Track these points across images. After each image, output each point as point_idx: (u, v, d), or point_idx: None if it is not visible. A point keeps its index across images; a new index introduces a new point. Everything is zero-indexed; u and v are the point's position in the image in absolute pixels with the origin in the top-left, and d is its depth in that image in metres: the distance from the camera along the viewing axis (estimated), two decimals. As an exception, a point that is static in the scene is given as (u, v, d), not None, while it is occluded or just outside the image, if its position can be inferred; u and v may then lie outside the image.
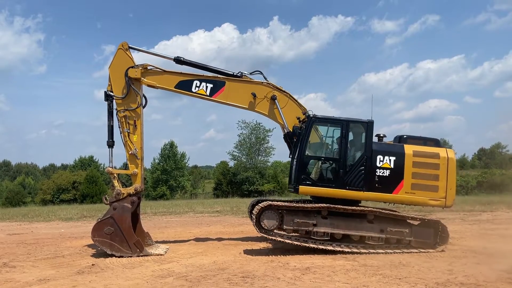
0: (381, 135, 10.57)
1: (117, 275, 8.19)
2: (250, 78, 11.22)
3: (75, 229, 16.88)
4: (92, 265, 9.12)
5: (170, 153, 61.55)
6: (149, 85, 11.13)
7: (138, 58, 11.50)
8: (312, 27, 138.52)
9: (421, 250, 9.70)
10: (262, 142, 55.07)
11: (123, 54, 10.85)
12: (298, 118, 10.97)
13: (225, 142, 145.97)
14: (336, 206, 9.81)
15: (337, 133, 10.41)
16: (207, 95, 11.01)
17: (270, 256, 9.51)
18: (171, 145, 62.58)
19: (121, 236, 10.28)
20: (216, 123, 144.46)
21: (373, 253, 9.56)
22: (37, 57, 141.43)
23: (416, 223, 10.04)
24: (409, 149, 10.11)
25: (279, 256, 9.53)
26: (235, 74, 11.10)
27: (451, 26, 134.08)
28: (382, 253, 9.58)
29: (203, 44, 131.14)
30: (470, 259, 8.74)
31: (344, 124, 10.20)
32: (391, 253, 9.55)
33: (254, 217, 9.98)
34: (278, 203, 10.05)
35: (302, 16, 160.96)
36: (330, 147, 10.79)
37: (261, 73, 11.23)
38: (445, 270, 7.76)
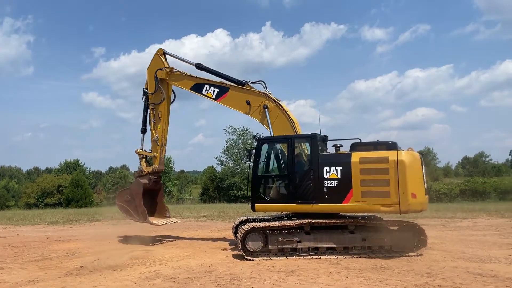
0: (338, 145, 10.85)
1: (105, 277, 8.33)
2: (251, 87, 12.07)
3: (62, 233, 16.89)
4: (81, 267, 9.24)
5: (156, 158, 61.32)
6: (172, 85, 13.26)
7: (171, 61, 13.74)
8: (304, 33, 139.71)
9: (401, 254, 10.02)
10: (249, 148, 55.25)
11: (158, 58, 13.22)
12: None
13: (213, 147, 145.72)
14: (317, 220, 10.02)
15: (285, 150, 11.03)
16: (213, 98, 12.49)
17: (256, 259, 9.73)
18: (158, 149, 62.36)
19: (134, 205, 12.85)
20: (204, 128, 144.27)
21: (356, 257, 9.86)
22: (26, 59, 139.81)
23: (395, 228, 10.36)
24: (356, 156, 9.99)
25: (265, 259, 9.75)
26: (239, 82, 12.17)
27: (441, 36, 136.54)
28: (365, 257, 9.88)
29: (196, 49, 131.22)
30: (448, 263, 9.06)
31: (289, 141, 10.76)
32: (373, 257, 9.85)
33: (239, 241, 10.03)
34: (261, 224, 10.14)
35: (295, 22, 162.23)
36: (279, 164, 11.37)
37: (263, 82, 12.11)
38: (424, 273, 8.07)
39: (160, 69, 13.02)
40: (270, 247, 10.03)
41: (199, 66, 13.00)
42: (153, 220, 13.01)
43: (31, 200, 54.96)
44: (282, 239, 10.04)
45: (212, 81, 12.52)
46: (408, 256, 9.88)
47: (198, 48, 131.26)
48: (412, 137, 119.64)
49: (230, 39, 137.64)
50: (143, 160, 13.41)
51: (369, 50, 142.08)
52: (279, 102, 11.65)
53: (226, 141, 57.10)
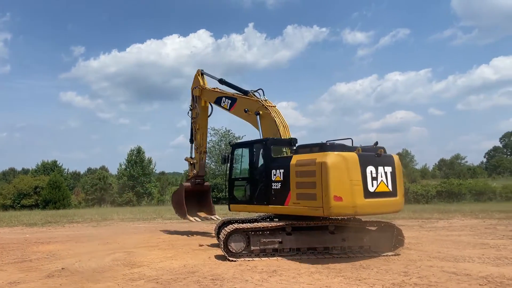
0: (294, 148, 11.12)
1: (87, 278, 8.33)
2: (253, 95, 12.78)
3: (41, 235, 16.67)
4: (62, 269, 9.21)
5: (137, 159, 60.80)
6: (204, 100, 15.20)
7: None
8: (286, 36, 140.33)
9: (380, 253, 10.30)
10: (225, 153, 55.27)
11: (196, 77, 15.22)
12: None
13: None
14: (299, 222, 10.18)
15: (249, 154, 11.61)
16: (227, 109, 13.68)
17: (239, 260, 9.85)
18: (138, 150, 61.87)
19: (180, 204, 15.46)
20: (186, 129, 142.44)
21: (336, 257, 10.09)
22: (2, 57, 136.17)
23: (374, 228, 10.63)
24: (294, 159, 10.09)
25: (247, 260, 9.88)
26: (244, 91, 13.09)
27: (420, 40, 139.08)
28: (345, 257, 10.11)
29: (178, 50, 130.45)
30: (424, 262, 9.36)
31: (250, 146, 11.41)
32: (352, 257, 10.09)
33: (221, 242, 10.15)
34: (244, 225, 10.29)
35: (278, 25, 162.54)
36: (246, 168, 11.96)
37: (262, 90, 12.87)
38: (401, 272, 8.34)
39: (195, 87, 15.12)
40: (252, 248, 10.16)
41: (221, 81, 14.44)
42: (190, 217, 15.26)
43: (7, 202, 53.66)
44: (264, 240, 10.19)
45: (227, 93, 13.63)
46: (386, 255, 10.17)
47: (180, 49, 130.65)
48: (391, 139, 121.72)
49: (213, 39, 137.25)
50: (191, 166, 15.96)
51: (350, 53, 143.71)
52: (272, 108, 11.96)
53: (208, 142, 56.97)
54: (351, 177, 9.28)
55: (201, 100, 15.12)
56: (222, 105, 13.85)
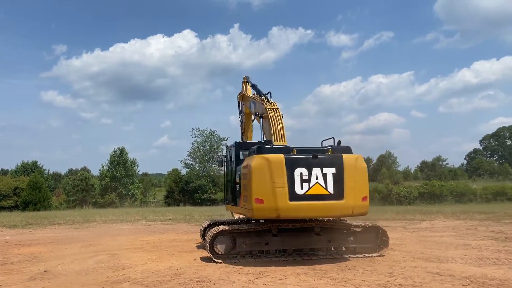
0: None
1: (71, 281, 8.19)
2: (265, 98, 12.66)
3: (22, 237, 16.33)
4: (45, 271, 9.04)
5: (120, 160, 60.05)
6: (245, 106, 15.00)
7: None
8: (272, 37, 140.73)
9: (365, 255, 10.39)
10: (216, 150, 55.16)
11: (243, 84, 15.28)
12: None
13: (178, 149, 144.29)
14: (285, 223, 10.12)
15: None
16: (253, 113, 13.64)
17: (225, 262, 9.81)
18: (121, 151, 61.11)
19: None
20: (170, 129, 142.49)
21: (322, 258, 10.13)
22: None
23: (359, 230, 10.72)
24: (244, 162, 10.29)
25: (233, 261, 9.85)
26: (262, 94, 13.09)
27: (404, 43, 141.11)
28: (330, 258, 10.17)
29: (162, 50, 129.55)
30: (408, 263, 9.48)
31: (228, 149, 12.49)
32: (338, 258, 10.15)
33: (207, 243, 10.08)
34: (230, 227, 10.24)
35: (263, 26, 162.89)
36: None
37: (270, 93, 12.86)
38: (386, 273, 8.43)
39: (239, 93, 15.44)
40: (238, 249, 10.14)
41: (253, 86, 14.53)
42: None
43: (-15, 203, 52.44)
44: (250, 241, 10.18)
45: (255, 98, 13.63)
46: (371, 256, 10.26)
47: (165, 49, 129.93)
48: (374, 141, 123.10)
49: (198, 40, 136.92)
50: None
51: (334, 56, 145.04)
52: (272, 111, 11.87)
53: (192, 143, 56.71)
54: (274, 180, 9.19)
55: (244, 106, 15.33)
56: (250, 109, 13.99)
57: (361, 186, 9.60)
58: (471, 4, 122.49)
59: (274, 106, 12.07)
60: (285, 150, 9.80)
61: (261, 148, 9.94)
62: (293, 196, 9.23)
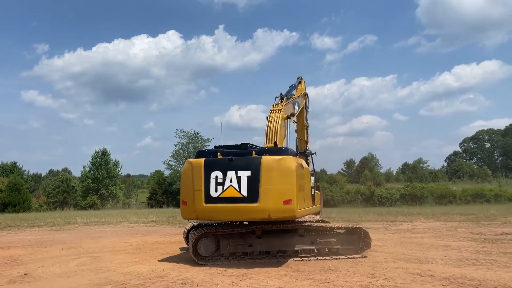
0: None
1: (51, 284, 8.07)
2: (279, 100, 12.27)
3: (0, 239, 15.99)
4: (25, 274, 8.88)
5: (102, 161, 59.38)
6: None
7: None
8: (257, 39, 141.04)
9: (348, 256, 10.49)
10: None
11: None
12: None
13: (162, 150, 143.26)
14: (269, 225, 10.17)
15: None
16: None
17: (208, 264, 9.79)
18: (104, 152, 60.47)
19: None
20: (153, 131, 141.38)
21: (305, 259, 10.20)
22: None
23: (342, 231, 10.83)
24: None
25: (217, 263, 9.83)
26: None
27: (387, 47, 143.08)
28: (314, 260, 10.24)
29: (146, 50, 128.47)
30: (390, 264, 9.61)
31: None
32: (321, 259, 10.23)
33: (190, 246, 10.02)
34: (213, 229, 10.21)
35: (248, 27, 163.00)
36: None
37: (281, 94, 12.42)
38: (368, 274, 8.52)
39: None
40: (222, 251, 10.13)
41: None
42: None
43: (-38, 205, 51.20)
44: (234, 243, 10.17)
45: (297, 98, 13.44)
46: (354, 258, 10.37)
47: (149, 49, 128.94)
48: (357, 143, 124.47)
49: (182, 41, 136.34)
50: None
51: (319, 58, 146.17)
52: (272, 112, 11.74)
53: (176, 144, 56.48)
54: (194, 183, 9.54)
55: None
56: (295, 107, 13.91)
57: (283, 189, 9.31)
58: (451, 9, 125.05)
59: (276, 107, 12.01)
60: (216, 152, 9.96)
61: (201, 151, 10.27)
62: (209, 198, 9.45)
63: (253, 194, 9.22)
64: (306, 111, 14.77)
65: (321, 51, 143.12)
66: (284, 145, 10.82)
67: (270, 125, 11.03)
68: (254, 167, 9.31)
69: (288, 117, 11.55)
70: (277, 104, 11.85)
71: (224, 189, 9.43)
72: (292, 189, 9.24)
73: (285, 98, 11.94)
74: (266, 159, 9.34)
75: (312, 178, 11.68)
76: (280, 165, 9.30)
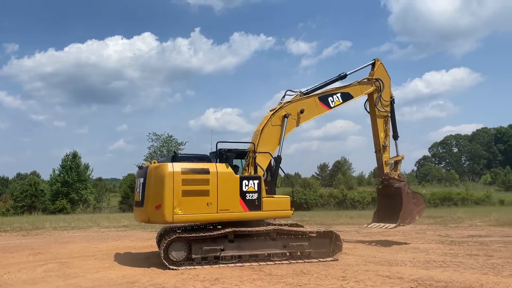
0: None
1: (17, 292, 7.83)
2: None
3: (-37, 245, 15.36)
4: (-12, 282, 8.57)
5: (72, 164, 57.93)
6: None
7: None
8: (233, 42, 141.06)
9: (320, 259, 10.60)
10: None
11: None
12: None
13: (135, 154, 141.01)
14: (241, 229, 10.21)
15: None
16: None
17: (180, 268, 9.70)
18: (74, 155, 59.00)
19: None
20: (126, 133, 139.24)
21: (278, 263, 10.25)
22: None
23: (314, 235, 10.93)
24: None
25: (188, 268, 9.76)
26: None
27: (360, 53, 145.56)
28: (286, 263, 10.30)
29: (120, 51, 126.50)
30: (361, 267, 9.78)
31: None
32: (294, 263, 10.31)
33: (161, 250, 9.87)
34: (185, 234, 10.16)
35: (224, 31, 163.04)
36: None
37: (286, 93, 13.02)
38: (339, 277, 8.65)
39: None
40: (193, 256, 10.05)
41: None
42: (374, 225, 14.41)
43: None
44: (206, 247, 10.11)
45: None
46: (325, 261, 10.49)
47: (123, 51, 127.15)
48: (331, 147, 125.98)
49: (158, 43, 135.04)
50: (387, 166, 14.34)
51: (294, 63, 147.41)
52: (270, 112, 11.83)
53: (149, 148, 55.72)
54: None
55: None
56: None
57: (156, 194, 9.92)
58: (422, 18, 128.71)
59: (275, 108, 12.06)
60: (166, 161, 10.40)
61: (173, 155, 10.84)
62: (135, 202, 11.00)
63: (143, 199, 10.27)
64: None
65: (296, 56, 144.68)
66: (279, 145, 11.47)
67: (260, 125, 11.55)
68: (146, 174, 10.26)
69: (285, 116, 11.82)
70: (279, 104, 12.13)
71: (135, 194, 10.99)
72: (162, 194, 9.77)
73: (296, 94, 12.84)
74: (150, 167, 10.34)
75: (256, 182, 10.54)
76: (156, 172, 10.10)
